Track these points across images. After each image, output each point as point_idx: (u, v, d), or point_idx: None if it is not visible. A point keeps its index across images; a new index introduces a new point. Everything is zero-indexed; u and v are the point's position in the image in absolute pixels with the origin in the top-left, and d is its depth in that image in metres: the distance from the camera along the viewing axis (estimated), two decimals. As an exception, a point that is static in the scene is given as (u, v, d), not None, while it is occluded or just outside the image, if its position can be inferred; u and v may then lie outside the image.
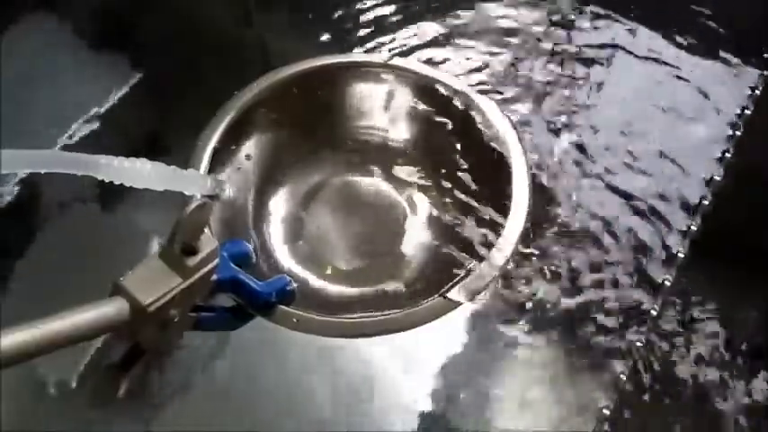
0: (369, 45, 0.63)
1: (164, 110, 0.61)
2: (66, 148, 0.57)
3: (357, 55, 0.62)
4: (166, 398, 0.46)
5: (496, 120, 0.57)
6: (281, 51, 0.63)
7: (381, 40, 0.63)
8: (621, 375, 0.46)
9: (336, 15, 0.65)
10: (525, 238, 0.52)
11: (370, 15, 0.65)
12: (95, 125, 0.58)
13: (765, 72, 0.60)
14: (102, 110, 0.59)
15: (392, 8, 0.66)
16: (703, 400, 0.47)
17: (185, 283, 0.40)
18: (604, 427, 0.44)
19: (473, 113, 0.58)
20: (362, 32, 0.64)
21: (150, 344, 0.40)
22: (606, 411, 0.45)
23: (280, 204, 0.58)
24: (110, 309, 0.37)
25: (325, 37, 0.64)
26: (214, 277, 0.43)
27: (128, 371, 0.40)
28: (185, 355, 0.46)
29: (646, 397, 0.47)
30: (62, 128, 0.57)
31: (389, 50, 0.62)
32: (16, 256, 0.51)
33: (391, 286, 0.53)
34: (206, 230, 0.41)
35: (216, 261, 0.42)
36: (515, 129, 0.57)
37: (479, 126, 0.58)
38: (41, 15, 0.66)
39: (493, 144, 0.56)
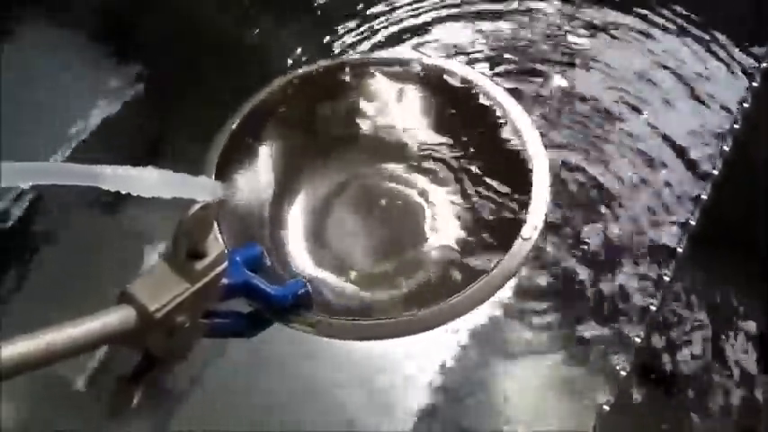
0: (375, 42, 0.63)
1: (167, 112, 0.60)
2: (67, 152, 0.57)
3: (366, 53, 0.62)
4: (179, 399, 0.46)
5: (513, 111, 0.57)
6: (284, 52, 0.62)
7: (388, 36, 0.63)
8: (621, 372, 0.46)
9: (339, 15, 0.65)
10: (543, 235, 0.52)
11: (374, 13, 0.65)
12: (97, 128, 0.58)
13: (763, 65, 0.60)
14: (104, 113, 0.59)
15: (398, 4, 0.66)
16: (703, 396, 0.47)
17: (193, 288, 0.39)
18: (603, 425, 0.45)
19: (489, 105, 0.58)
20: (367, 31, 0.64)
21: (160, 352, 0.40)
22: (606, 408, 0.45)
23: (296, 208, 0.57)
24: (116, 316, 0.37)
25: (328, 36, 0.63)
26: (225, 281, 0.42)
27: (140, 381, 0.40)
28: (198, 356, 0.45)
29: (645, 394, 0.47)
30: (63, 130, 0.57)
31: (398, 46, 0.62)
32: (24, 263, 0.52)
33: (413, 286, 0.52)
34: (213, 233, 0.41)
35: (224, 265, 0.41)
36: (532, 119, 0.57)
37: (496, 118, 0.57)
38: (42, 17, 0.65)
39: (511, 135, 0.56)
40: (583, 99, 0.59)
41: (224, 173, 0.55)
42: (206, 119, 0.57)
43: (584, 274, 0.50)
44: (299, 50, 0.62)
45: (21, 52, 0.62)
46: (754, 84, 0.59)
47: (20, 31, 0.64)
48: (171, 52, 0.63)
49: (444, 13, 0.65)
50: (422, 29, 0.64)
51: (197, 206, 0.39)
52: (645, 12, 0.64)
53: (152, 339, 0.39)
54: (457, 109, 0.59)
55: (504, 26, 0.64)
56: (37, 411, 0.47)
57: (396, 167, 0.58)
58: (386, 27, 0.64)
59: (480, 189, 0.56)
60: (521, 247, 0.51)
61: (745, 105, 0.58)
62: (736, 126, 0.57)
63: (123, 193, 0.43)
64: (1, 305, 0.50)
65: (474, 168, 0.57)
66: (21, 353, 0.32)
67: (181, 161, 0.51)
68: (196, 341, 0.43)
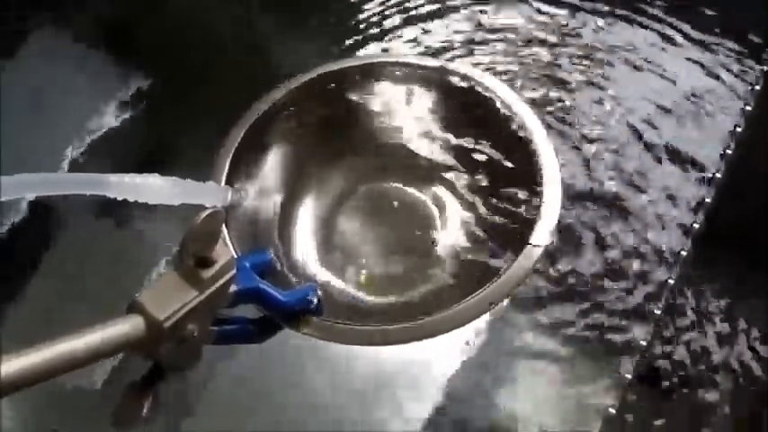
0: (380, 45, 0.63)
1: (175, 117, 0.60)
2: (72, 159, 0.56)
3: (373, 56, 0.62)
4: (188, 406, 0.46)
5: (521, 110, 0.57)
6: (292, 55, 0.62)
7: (392, 39, 0.63)
8: (626, 375, 0.46)
9: (342, 18, 0.65)
10: (552, 241, 0.51)
11: (377, 16, 0.65)
12: (103, 134, 0.58)
13: (765, 68, 0.60)
14: (111, 118, 0.58)
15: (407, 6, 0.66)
16: (710, 399, 0.47)
17: (202, 296, 0.39)
18: (610, 427, 0.45)
19: (499, 108, 0.57)
20: (370, 34, 0.64)
21: (170, 361, 0.40)
22: (612, 410, 0.45)
23: (306, 212, 0.57)
24: (126, 326, 0.36)
25: (336, 39, 0.63)
26: (234, 288, 0.42)
27: (150, 389, 0.40)
28: (208, 363, 0.45)
29: (651, 397, 0.47)
30: (68, 137, 0.57)
31: (404, 49, 0.62)
32: (30, 271, 0.51)
33: (423, 291, 0.52)
34: (221, 240, 0.40)
35: (233, 272, 0.41)
36: (540, 119, 0.57)
37: (504, 118, 0.57)
38: (45, 24, 0.65)
39: (520, 135, 0.55)
40: (587, 101, 0.59)
41: (233, 178, 0.54)
42: (213, 124, 0.57)
43: (590, 278, 0.50)
44: (306, 53, 0.62)
45: (25, 60, 0.62)
46: (757, 87, 0.59)
47: (23, 38, 0.64)
48: (178, 57, 0.63)
49: (454, 16, 0.65)
50: (431, 31, 0.64)
51: (205, 213, 0.39)
52: (647, 20, 0.64)
53: (161, 348, 0.39)
54: (467, 112, 0.59)
55: (514, 31, 0.64)
56: (42, 418, 0.47)
57: (404, 171, 0.58)
58: (394, 29, 0.64)
59: (490, 193, 0.56)
60: (530, 253, 0.51)
61: (749, 108, 0.58)
62: (739, 129, 0.57)
63: (131, 200, 0.43)
64: (4, 314, 0.50)
65: (484, 173, 0.57)
66: (30, 364, 0.32)
67: (189, 166, 0.51)
68: (205, 348, 0.43)
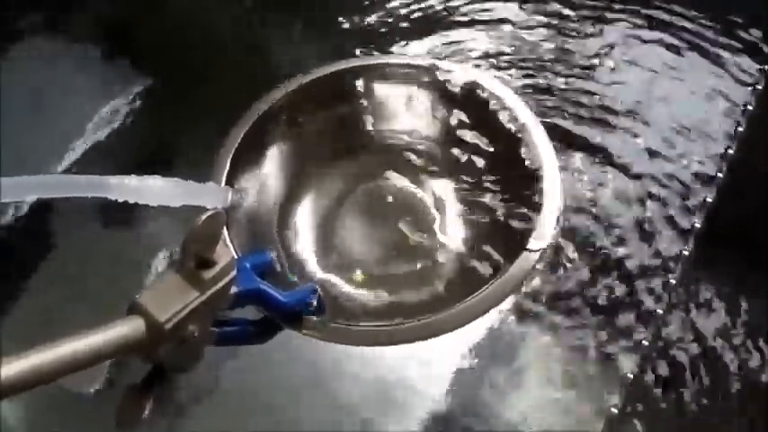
0: (380, 46, 0.63)
1: (174, 118, 0.60)
2: (72, 161, 0.56)
3: (374, 57, 0.62)
4: (188, 408, 0.46)
5: (522, 113, 0.57)
6: (292, 56, 0.63)
7: (393, 39, 0.63)
8: (629, 375, 0.46)
9: (343, 20, 0.65)
10: (552, 243, 0.51)
11: (378, 17, 0.65)
12: (103, 136, 0.58)
13: (766, 67, 0.60)
14: (110, 120, 0.58)
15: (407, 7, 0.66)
16: (713, 399, 0.47)
17: (202, 297, 0.39)
18: (612, 427, 0.45)
19: (499, 110, 0.57)
20: (371, 35, 0.63)
21: (170, 362, 0.40)
22: (614, 410, 0.45)
23: (305, 213, 0.57)
24: (126, 328, 0.36)
25: (337, 39, 0.63)
26: (235, 289, 0.42)
27: (151, 390, 0.40)
28: (208, 365, 0.45)
29: (655, 395, 0.47)
30: (67, 139, 0.57)
31: (404, 50, 0.62)
32: (30, 272, 0.51)
33: (423, 292, 0.52)
34: (222, 242, 0.41)
35: (233, 273, 0.41)
36: (542, 123, 0.57)
37: (503, 120, 0.57)
38: (43, 25, 0.65)
39: (520, 138, 0.55)
40: (587, 101, 0.59)
41: (233, 178, 0.54)
42: (213, 124, 0.57)
43: (591, 279, 0.50)
44: (306, 53, 0.62)
45: (25, 60, 0.62)
46: (758, 86, 0.59)
47: (23, 38, 0.64)
48: (178, 57, 0.63)
49: (457, 16, 0.65)
50: (432, 32, 0.64)
51: (206, 215, 0.39)
52: (648, 12, 0.64)
53: (162, 349, 0.39)
54: (467, 114, 0.59)
55: (515, 31, 0.64)
56: (42, 420, 0.47)
57: (404, 172, 0.58)
58: (395, 29, 0.64)
59: (490, 197, 0.56)
60: (529, 255, 0.51)
61: (749, 108, 0.58)
62: (740, 129, 0.57)
63: (131, 202, 0.43)
64: (5, 314, 0.50)
65: (484, 176, 0.57)
66: (30, 366, 0.32)
67: (190, 166, 0.51)
68: (205, 349, 0.43)
